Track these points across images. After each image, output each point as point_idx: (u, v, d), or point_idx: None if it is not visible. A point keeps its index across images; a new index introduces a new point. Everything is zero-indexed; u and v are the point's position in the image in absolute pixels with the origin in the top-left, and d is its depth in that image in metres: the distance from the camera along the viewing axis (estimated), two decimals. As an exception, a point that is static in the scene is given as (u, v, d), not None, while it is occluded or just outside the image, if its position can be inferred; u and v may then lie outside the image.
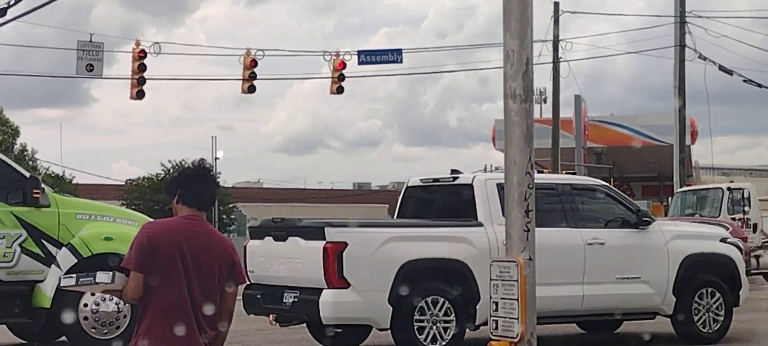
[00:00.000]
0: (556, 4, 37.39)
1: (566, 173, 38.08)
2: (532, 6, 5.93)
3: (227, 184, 75.00)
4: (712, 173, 50.35)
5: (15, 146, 64.74)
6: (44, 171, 68.85)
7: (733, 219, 28.93)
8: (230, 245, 5.40)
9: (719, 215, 29.18)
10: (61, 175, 68.79)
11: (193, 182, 5.35)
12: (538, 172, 43.23)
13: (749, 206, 29.93)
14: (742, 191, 30.03)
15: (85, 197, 21.44)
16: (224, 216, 68.36)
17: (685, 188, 33.36)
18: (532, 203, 5.88)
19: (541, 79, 64.76)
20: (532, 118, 5.91)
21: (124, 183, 70.25)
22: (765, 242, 31.03)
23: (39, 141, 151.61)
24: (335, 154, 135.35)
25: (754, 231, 29.54)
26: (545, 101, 56.10)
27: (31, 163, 68.14)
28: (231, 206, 70.19)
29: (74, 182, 66.23)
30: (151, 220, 5.41)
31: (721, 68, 36.65)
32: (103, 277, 5.25)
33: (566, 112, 46.33)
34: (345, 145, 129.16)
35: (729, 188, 30.23)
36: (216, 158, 67.02)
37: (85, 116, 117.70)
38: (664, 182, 49.37)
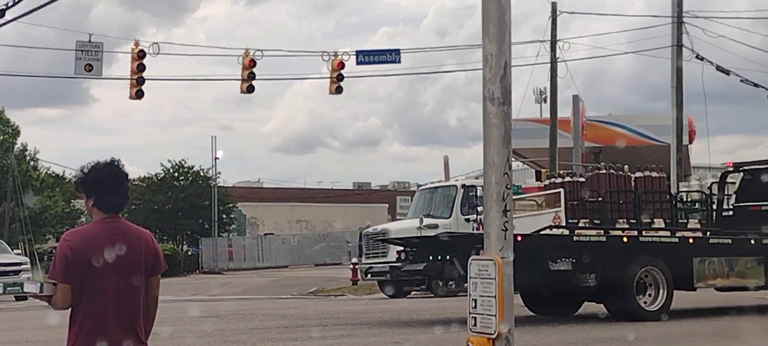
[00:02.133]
0: (554, 5, 37.57)
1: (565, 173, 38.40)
2: (511, 11, 6.08)
3: (227, 183, 75.17)
4: (709, 172, 50.48)
5: (15, 146, 64.90)
6: (44, 171, 69.06)
7: (467, 220, 27.47)
8: (149, 236, 5.63)
9: (451, 216, 27.75)
10: (61, 175, 68.98)
11: (110, 189, 5.51)
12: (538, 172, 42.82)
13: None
14: (475, 189, 28.03)
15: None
16: (224, 216, 68.51)
17: (426, 186, 31.15)
18: (510, 203, 6.05)
19: (540, 79, 64.68)
20: (510, 121, 6.07)
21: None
22: None
23: (39, 141, 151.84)
24: (335, 153, 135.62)
25: None
26: (545, 101, 56.33)
27: (32, 163, 68.32)
28: (230, 205, 70.32)
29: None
30: (71, 230, 5.57)
31: (719, 68, 36.79)
32: (30, 287, 5.42)
33: (566, 112, 46.53)
34: (344, 144, 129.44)
35: (464, 186, 28.37)
36: (216, 158, 67.14)
37: (85, 116, 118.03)
38: (663, 181, 49.61)
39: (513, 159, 28.88)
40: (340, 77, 30.93)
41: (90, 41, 28.54)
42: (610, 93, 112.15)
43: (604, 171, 28.90)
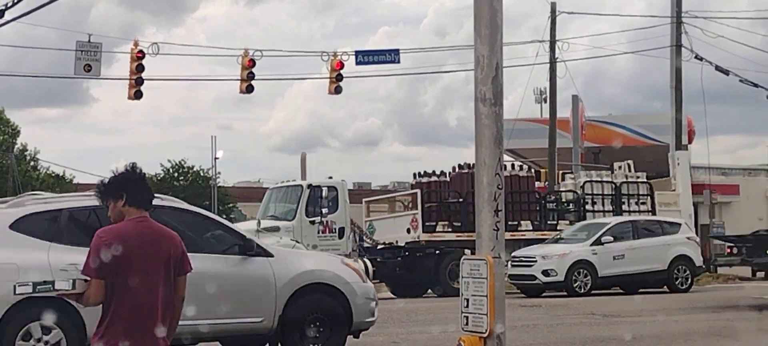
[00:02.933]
0: (553, 5, 37.61)
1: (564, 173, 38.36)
2: (502, 13, 6.13)
3: (227, 184, 75.15)
4: (708, 172, 50.47)
5: (15, 146, 64.94)
6: (44, 171, 69.09)
7: (312, 222, 26.35)
8: (178, 238, 5.73)
9: (295, 218, 26.37)
10: (61, 174, 69.01)
11: (138, 185, 5.66)
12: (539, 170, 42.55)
13: (328, 208, 26.63)
14: (321, 190, 26.87)
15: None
16: (224, 215, 68.50)
17: (276, 185, 29.92)
18: (501, 203, 6.10)
19: (540, 79, 64.76)
20: (501, 121, 6.12)
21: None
22: (366, 246, 28.40)
23: (38, 140, 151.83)
24: (335, 153, 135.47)
25: (340, 236, 26.57)
26: (546, 101, 56.34)
27: (32, 163, 68.35)
28: (231, 205, 70.32)
29: (74, 181, 66.37)
30: (105, 227, 5.64)
31: (718, 68, 36.81)
32: (62, 284, 5.49)
33: (566, 112, 46.55)
34: (344, 144, 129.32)
35: (310, 186, 27.04)
36: (216, 158, 67.11)
37: (85, 116, 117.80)
38: (662, 181, 49.63)
39: (513, 159, 29.04)
40: (340, 77, 30.99)
41: (89, 42, 28.59)
42: (610, 93, 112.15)
43: (467, 170, 27.68)
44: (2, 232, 11.23)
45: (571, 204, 30.48)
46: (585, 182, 30.79)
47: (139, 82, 28.81)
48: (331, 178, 28.70)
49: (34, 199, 12.50)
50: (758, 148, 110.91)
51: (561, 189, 32.61)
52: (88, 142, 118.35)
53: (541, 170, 45.35)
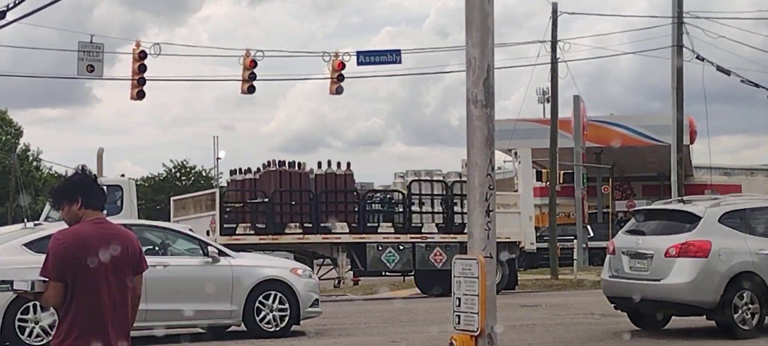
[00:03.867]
0: (554, 5, 37.63)
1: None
2: (493, 16, 6.21)
3: (230, 183, 75.14)
4: (710, 172, 50.58)
5: (18, 146, 65.08)
6: (46, 171, 69.24)
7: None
8: (134, 238, 5.85)
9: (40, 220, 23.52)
10: (63, 174, 69.15)
11: (92, 187, 5.76)
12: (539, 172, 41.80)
13: (114, 208, 24.40)
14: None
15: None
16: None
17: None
18: (493, 204, 6.17)
19: (544, 79, 64.81)
20: (492, 123, 6.19)
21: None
22: None
23: (41, 141, 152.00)
24: (337, 153, 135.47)
25: None
26: (548, 101, 56.37)
27: (34, 163, 68.52)
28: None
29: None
30: (62, 230, 5.76)
31: (719, 68, 36.81)
32: (21, 285, 5.57)
33: (568, 112, 46.61)
34: (346, 144, 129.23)
35: None
36: (218, 158, 67.16)
37: (87, 116, 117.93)
38: (664, 181, 49.72)
39: (515, 160, 28.34)
40: (341, 78, 31.01)
41: (91, 42, 28.64)
42: (612, 93, 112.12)
43: (276, 168, 25.39)
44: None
45: (399, 205, 26.48)
46: (412, 182, 26.49)
47: (142, 82, 28.87)
48: (123, 176, 28.22)
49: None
50: (760, 148, 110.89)
51: (387, 189, 28.11)
52: (90, 143, 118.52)
53: (543, 171, 45.45)
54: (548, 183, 38.36)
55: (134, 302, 5.80)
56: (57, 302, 5.58)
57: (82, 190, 5.72)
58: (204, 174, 69.39)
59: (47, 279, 5.54)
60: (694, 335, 15.88)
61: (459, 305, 6.17)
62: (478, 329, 6.05)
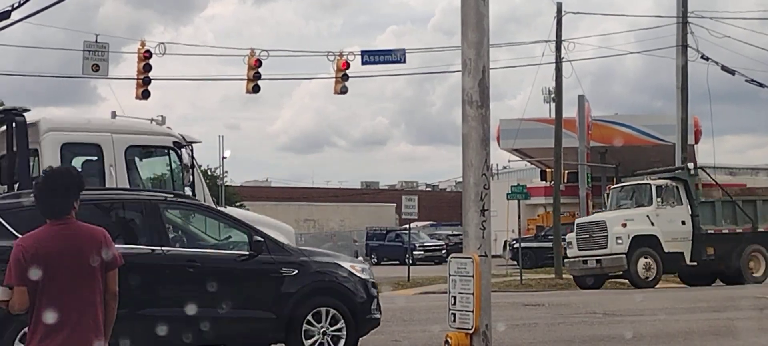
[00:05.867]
0: (559, 5, 37.65)
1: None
2: (489, 17, 6.27)
3: (234, 183, 75.31)
4: (715, 172, 50.52)
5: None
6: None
7: None
8: (102, 233, 5.78)
9: None
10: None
11: (47, 196, 5.73)
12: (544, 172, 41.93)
13: None
14: None
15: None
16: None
17: None
18: (488, 203, 6.24)
19: (548, 79, 64.74)
20: (488, 123, 6.26)
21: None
22: None
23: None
24: (342, 153, 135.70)
25: None
26: (553, 100, 56.39)
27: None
28: (238, 205, 70.46)
29: (83, 180, 66.60)
30: (23, 235, 5.80)
31: (724, 68, 36.83)
32: None
33: (573, 111, 46.65)
34: (351, 143, 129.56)
35: None
36: (223, 157, 67.18)
37: (92, 115, 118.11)
38: (669, 181, 49.73)
39: (520, 159, 28.92)
40: (346, 77, 31.07)
41: (96, 42, 28.74)
42: (618, 93, 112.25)
43: None
44: None
45: None
46: None
47: (147, 81, 28.96)
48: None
49: None
50: (766, 148, 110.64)
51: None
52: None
53: (547, 170, 45.47)
54: (553, 182, 38.38)
55: (108, 299, 5.75)
56: (24, 308, 5.60)
57: (37, 195, 5.77)
58: (209, 173, 69.41)
59: (11, 285, 5.56)
60: (695, 335, 15.91)
61: (454, 304, 6.24)
62: (473, 326, 6.12)
